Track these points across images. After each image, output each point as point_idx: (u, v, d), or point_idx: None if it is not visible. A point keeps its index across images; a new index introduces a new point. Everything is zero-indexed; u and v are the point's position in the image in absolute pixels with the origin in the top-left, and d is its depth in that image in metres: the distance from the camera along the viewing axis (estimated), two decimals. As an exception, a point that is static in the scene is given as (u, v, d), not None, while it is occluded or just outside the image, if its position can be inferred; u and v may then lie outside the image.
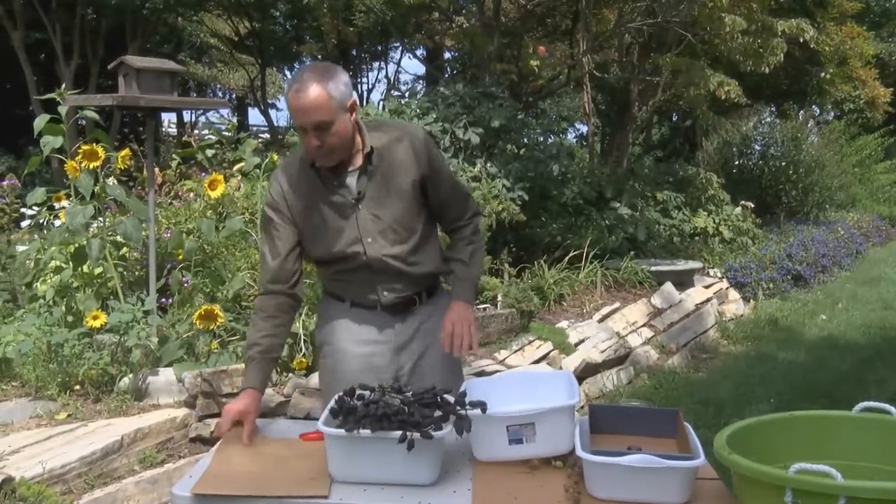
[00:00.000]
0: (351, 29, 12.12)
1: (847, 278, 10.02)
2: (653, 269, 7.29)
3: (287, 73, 19.05)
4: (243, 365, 3.92)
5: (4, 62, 11.40)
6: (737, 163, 12.62)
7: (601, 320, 6.29)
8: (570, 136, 14.42)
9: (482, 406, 1.92)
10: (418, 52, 12.87)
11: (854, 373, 5.96)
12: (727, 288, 8.25)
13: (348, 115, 2.24)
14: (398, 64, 16.76)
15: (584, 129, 13.81)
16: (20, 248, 5.02)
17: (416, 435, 1.81)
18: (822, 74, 12.38)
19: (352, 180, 2.34)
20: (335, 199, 2.34)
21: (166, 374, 4.03)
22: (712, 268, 8.50)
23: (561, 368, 5.34)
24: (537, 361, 5.40)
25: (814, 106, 14.91)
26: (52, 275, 4.67)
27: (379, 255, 2.35)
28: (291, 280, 2.38)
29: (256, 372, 2.32)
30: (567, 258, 6.85)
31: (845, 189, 13.85)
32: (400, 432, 1.81)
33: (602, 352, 5.87)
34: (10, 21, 10.13)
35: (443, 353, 2.40)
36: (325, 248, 2.38)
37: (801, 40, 9.10)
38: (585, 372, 5.63)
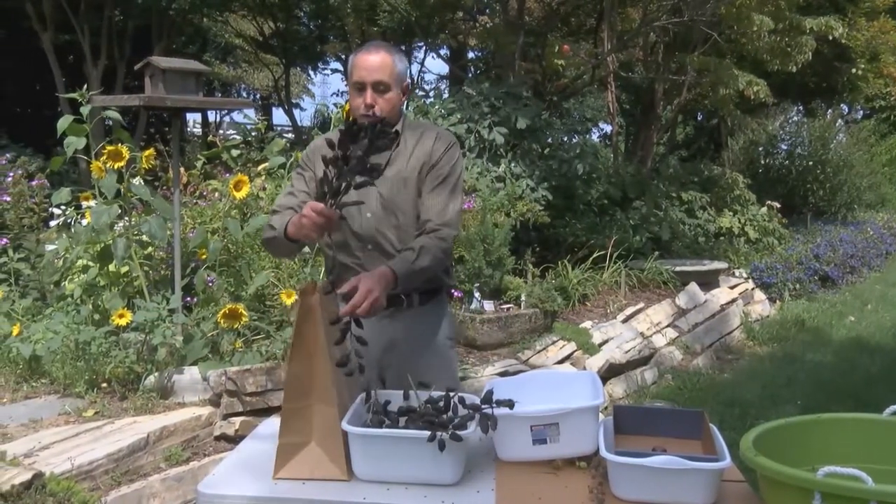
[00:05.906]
0: (375, 29, 12.16)
1: (876, 279, 9.88)
2: (677, 269, 7.23)
3: (311, 73, 19.17)
4: (267, 363, 3.99)
5: (34, 64, 11.55)
6: (763, 162, 12.50)
7: (625, 321, 6.25)
8: (595, 136, 14.34)
9: (510, 404, 1.90)
10: (442, 52, 12.86)
11: (884, 375, 5.87)
12: (753, 288, 8.17)
13: (401, 94, 2.40)
14: (422, 63, 16.72)
15: (608, 128, 13.73)
16: (49, 248, 5.08)
17: (445, 435, 1.80)
18: (854, 70, 12.21)
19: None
20: None
21: (191, 373, 4.07)
22: (738, 268, 8.42)
23: (585, 369, 5.33)
24: (561, 362, 5.39)
25: (842, 104, 14.70)
26: (79, 273, 4.72)
27: (372, 230, 2.39)
28: None
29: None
30: (591, 258, 6.81)
31: (875, 189, 13.66)
32: (429, 432, 1.81)
33: (626, 352, 5.84)
34: (40, 23, 10.28)
35: (435, 358, 2.44)
36: None
37: (830, 37, 8.99)
38: (609, 372, 5.60)
